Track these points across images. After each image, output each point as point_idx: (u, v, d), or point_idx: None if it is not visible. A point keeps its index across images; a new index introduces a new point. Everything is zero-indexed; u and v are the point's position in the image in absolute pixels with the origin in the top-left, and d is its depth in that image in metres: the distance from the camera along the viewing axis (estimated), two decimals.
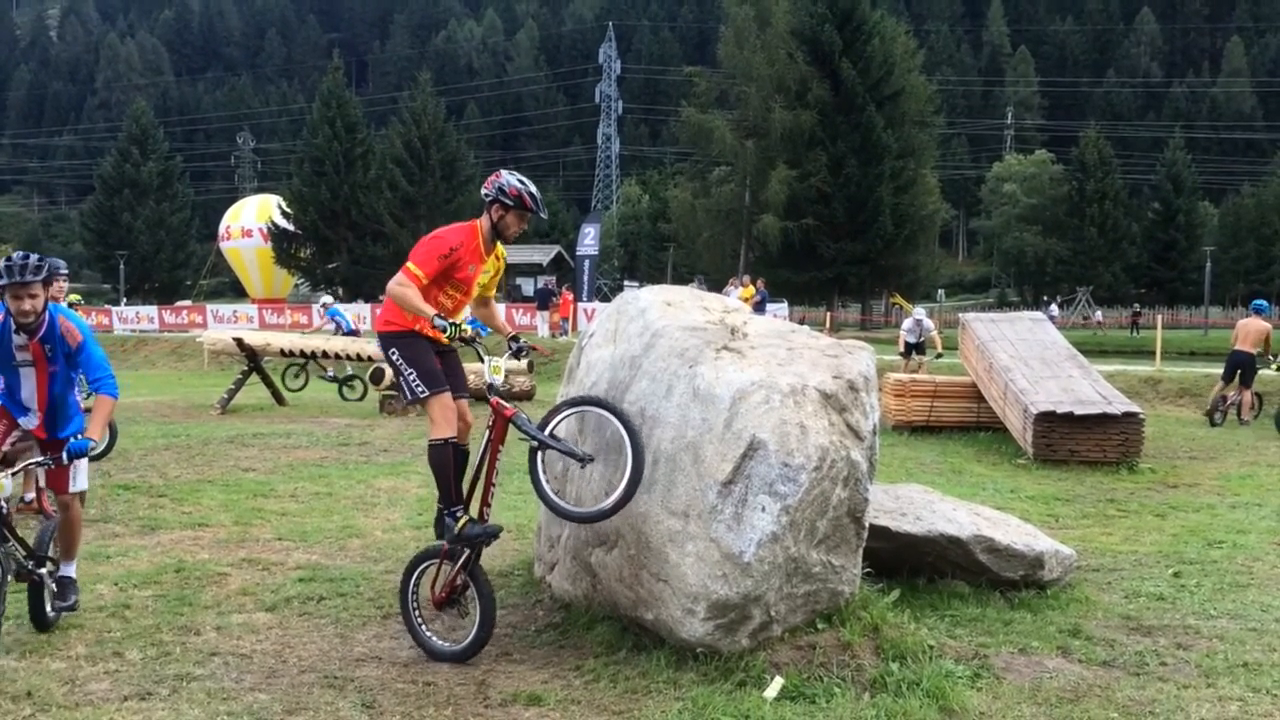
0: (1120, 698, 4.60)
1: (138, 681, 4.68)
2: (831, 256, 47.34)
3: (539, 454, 4.91)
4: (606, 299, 35.64)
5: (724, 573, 4.66)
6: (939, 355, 19.68)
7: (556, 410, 5.00)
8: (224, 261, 59.67)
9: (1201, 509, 9.32)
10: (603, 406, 4.93)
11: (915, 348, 20.04)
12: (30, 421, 5.32)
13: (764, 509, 4.68)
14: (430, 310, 4.91)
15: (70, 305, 8.68)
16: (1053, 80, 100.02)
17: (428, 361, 5.08)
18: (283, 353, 18.36)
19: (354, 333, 22.08)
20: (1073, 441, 11.67)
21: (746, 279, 30.43)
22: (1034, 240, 65.23)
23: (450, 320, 4.87)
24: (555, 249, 58.06)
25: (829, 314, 39.74)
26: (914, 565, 6.09)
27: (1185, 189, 65.20)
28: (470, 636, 5.01)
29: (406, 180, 53.97)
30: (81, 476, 5.38)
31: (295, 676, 4.80)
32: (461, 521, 4.97)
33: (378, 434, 13.32)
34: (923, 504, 6.38)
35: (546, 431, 4.89)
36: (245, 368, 17.54)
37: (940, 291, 63.79)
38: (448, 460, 5.00)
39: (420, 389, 5.02)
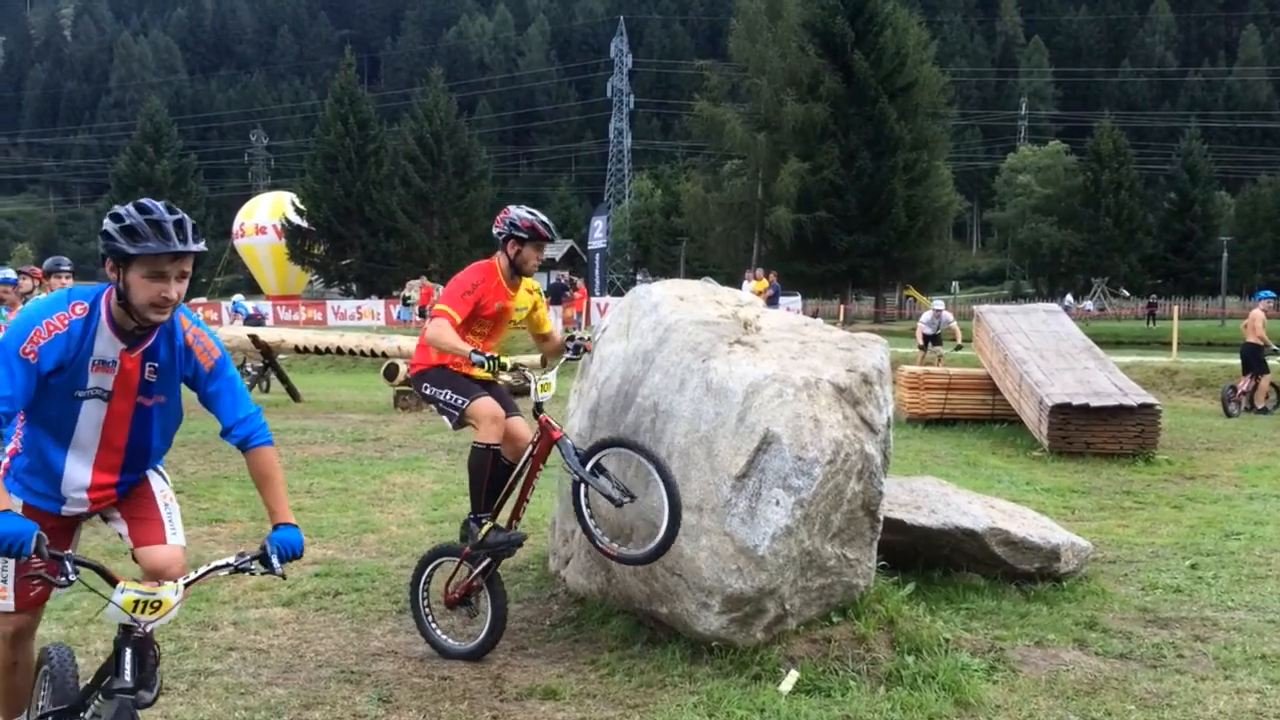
0: (1137, 690, 4.58)
1: None
2: (844, 249, 47.21)
3: (582, 489, 4.78)
4: (619, 294, 35.66)
5: (738, 566, 4.66)
6: (959, 347, 19.59)
7: (599, 446, 4.84)
8: (238, 258, 59.91)
9: (1219, 500, 9.28)
10: (638, 450, 4.73)
11: (933, 339, 19.97)
12: (76, 505, 3.35)
13: (778, 502, 4.68)
14: (466, 347, 4.87)
15: None
16: (1067, 70, 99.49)
17: (457, 379, 5.06)
18: (297, 349, 18.43)
19: (252, 318, 23.34)
20: (1088, 433, 11.63)
21: (759, 272, 30.39)
22: (1049, 232, 64.89)
23: (487, 354, 4.82)
24: (568, 243, 58.09)
25: (842, 307, 39.64)
26: (929, 558, 6.07)
27: (1201, 179, 64.73)
28: (479, 639, 5.00)
29: (419, 176, 54.05)
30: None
31: (312, 671, 4.82)
32: (485, 528, 4.96)
33: (392, 430, 13.35)
34: (937, 497, 6.37)
35: (588, 466, 4.75)
36: (260, 364, 17.60)
37: (954, 284, 63.61)
38: (485, 466, 4.97)
39: (458, 401, 5.00)
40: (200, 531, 7.65)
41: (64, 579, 2.82)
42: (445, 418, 5.10)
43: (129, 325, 3.10)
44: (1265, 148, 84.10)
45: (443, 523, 8.01)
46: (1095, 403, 11.63)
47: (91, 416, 3.20)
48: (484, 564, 5.00)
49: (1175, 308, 35.50)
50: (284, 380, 17.85)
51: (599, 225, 42.81)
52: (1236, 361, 17.07)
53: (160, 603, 2.92)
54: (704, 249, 56.29)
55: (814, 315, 25.19)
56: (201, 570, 3.08)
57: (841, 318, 32.31)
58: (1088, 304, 54.88)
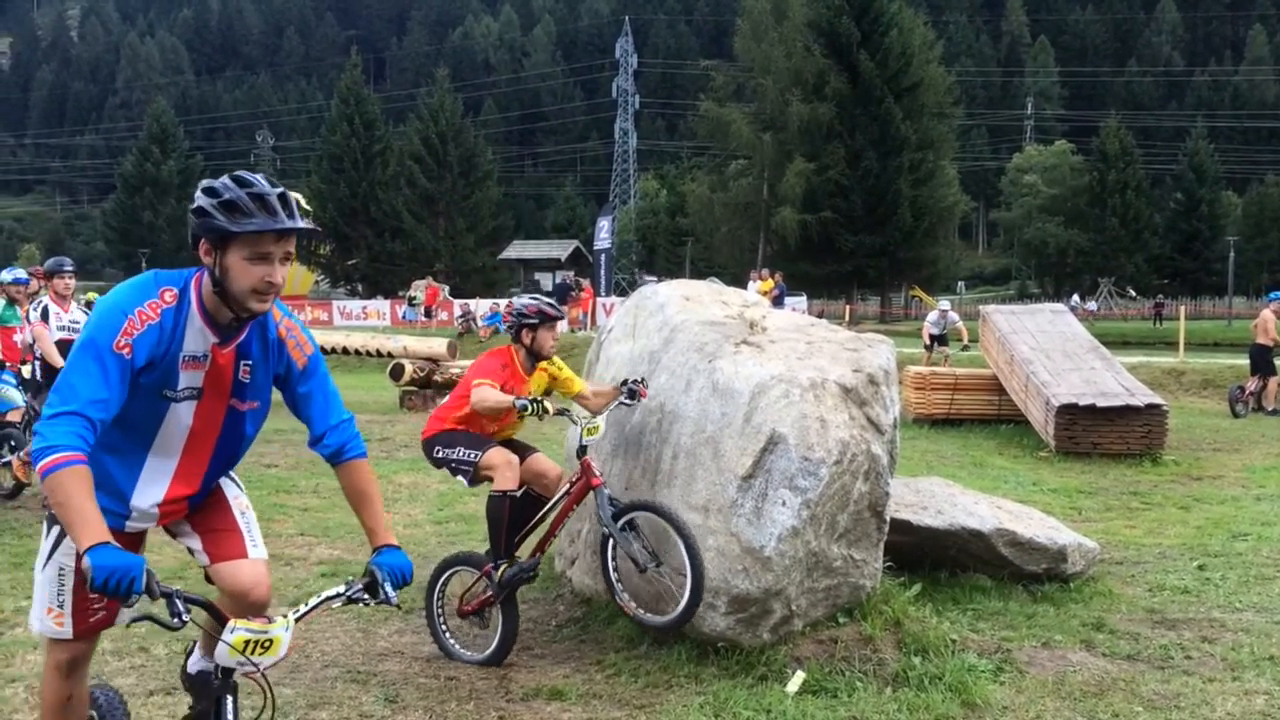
0: (1145, 691, 4.57)
1: (163, 676, 4.72)
2: (850, 249, 47.20)
3: (611, 544, 4.77)
4: (625, 294, 35.68)
5: (744, 567, 4.65)
6: (965, 347, 19.60)
7: (633, 506, 4.80)
8: None
9: (1226, 501, 9.25)
10: (668, 518, 4.65)
11: (939, 340, 19.99)
12: (143, 520, 2.96)
13: (784, 503, 4.67)
14: (509, 398, 4.89)
15: (88, 305, 8.72)
16: (1073, 70, 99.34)
17: (466, 436, 5.07)
18: None
19: None
20: (1095, 434, 11.60)
21: (765, 273, 30.38)
22: (1055, 231, 64.80)
23: (531, 399, 4.83)
24: (573, 244, 58.09)
25: (848, 307, 39.61)
26: (936, 559, 6.07)
27: (1208, 179, 64.65)
28: (486, 652, 4.97)
29: (425, 177, 54.16)
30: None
31: (319, 671, 4.82)
32: (502, 570, 4.96)
33: (398, 430, 13.36)
34: (944, 497, 6.36)
35: (619, 523, 4.73)
36: None
37: (960, 284, 63.55)
38: (503, 514, 4.97)
39: (471, 455, 5.00)
40: None
41: (176, 620, 2.39)
42: (460, 478, 5.07)
43: (224, 316, 2.71)
44: (1272, 147, 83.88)
45: (448, 523, 8.01)
46: (1102, 403, 11.60)
47: (179, 421, 2.81)
48: (502, 595, 5.00)
49: (1182, 308, 35.39)
50: None
51: (604, 226, 42.83)
52: (1243, 362, 17.03)
53: (271, 641, 2.52)
54: (709, 249, 56.29)
55: (819, 315, 25.20)
56: (311, 604, 2.67)
57: (847, 318, 32.29)
58: (1091, 304, 54.79)
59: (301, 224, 2.60)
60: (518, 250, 58.42)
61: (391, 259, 53.77)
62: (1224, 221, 64.36)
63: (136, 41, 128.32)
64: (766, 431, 4.72)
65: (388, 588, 2.66)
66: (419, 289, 40.63)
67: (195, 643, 3.23)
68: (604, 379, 5.70)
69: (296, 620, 2.62)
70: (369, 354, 18.55)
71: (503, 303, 39.23)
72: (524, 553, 5.20)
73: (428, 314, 39.03)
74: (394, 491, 9.25)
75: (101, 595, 2.28)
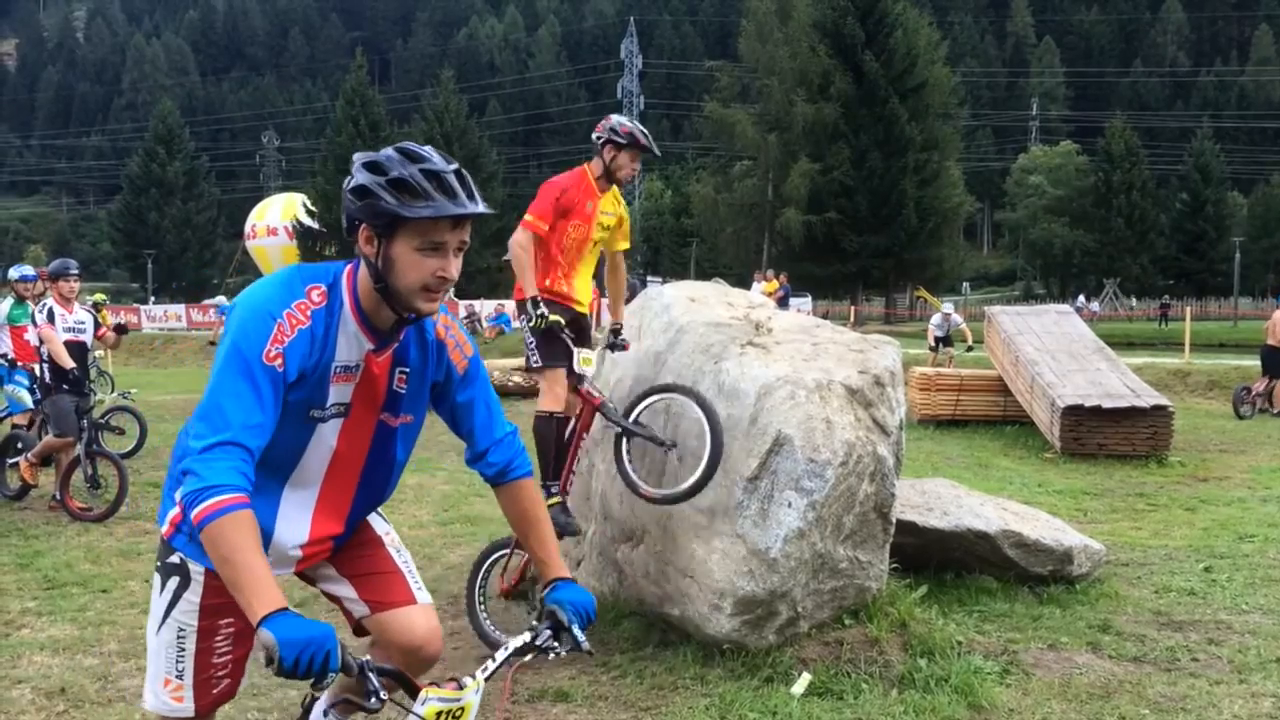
0: (1151, 694, 4.56)
1: None
2: (855, 250, 47.16)
3: (624, 440, 4.88)
4: (631, 295, 35.66)
5: (750, 569, 4.65)
6: (970, 348, 19.65)
7: (640, 398, 4.96)
8: (250, 260, 60.11)
9: (1232, 502, 9.23)
10: (680, 391, 4.85)
11: (944, 341, 20.04)
12: (281, 565, 2.47)
13: (790, 505, 4.67)
14: (533, 289, 4.90)
15: (96, 306, 8.75)
16: (1078, 71, 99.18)
17: (549, 339, 5.02)
18: None
19: None
20: (1101, 435, 11.59)
21: (770, 273, 30.38)
22: (1060, 232, 64.71)
23: (539, 312, 4.84)
24: None
25: (853, 308, 39.58)
26: (941, 560, 6.06)
27: (1213, 179, 64.48)
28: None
29: None
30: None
31: None
32: (554, 499, 4.98)
33: None
34: (950, 499, 6.35)
35: (631, 419, 4.88)
36: None
37: (965, 284, 63.44)
38: (551, 433, 5.00)
39: (535, 360, 5.00)
40: None
41: (373, 700, 2.01)
42: (526, 356, 5.10)
43: (383, 318, 2.26)
44: (1278, 148, 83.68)
45: (453, 524, 8.02)
46: (1107, 404, 11.58)
47: (324, 444, 2.35)
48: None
49: (1188, 309, 35.33)
50: None
51: None
52: (1249, 363, 17.02)
53: (463, 709, 2.18)
54: (714, 250, 56.25)
55: (824, 316, 25.20)
56: (500, 658, 2.28)
57: (852, 319, 32.27)
58: (1095, 305, 54.73)
59: (482, 208, 2.16)
60: None
61: None
62: (1229, 222, 64.22)
63: (142, 43, 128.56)
64: (772, 433, 4.72)
65: (576, 631, 2.29)
66: None
67: (315, 694, 2.69)
68: (610, 380, 5.70)
69: (485, 680, 2.24)
70: None
71: (507, 304, 39.24)
72: None
73: None
74: (398, 493, 9.22)
75: (290, 676, 1.88)
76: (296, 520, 2.42)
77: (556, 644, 2.29)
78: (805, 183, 45.97)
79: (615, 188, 5.28)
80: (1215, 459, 11.83)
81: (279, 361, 2.15)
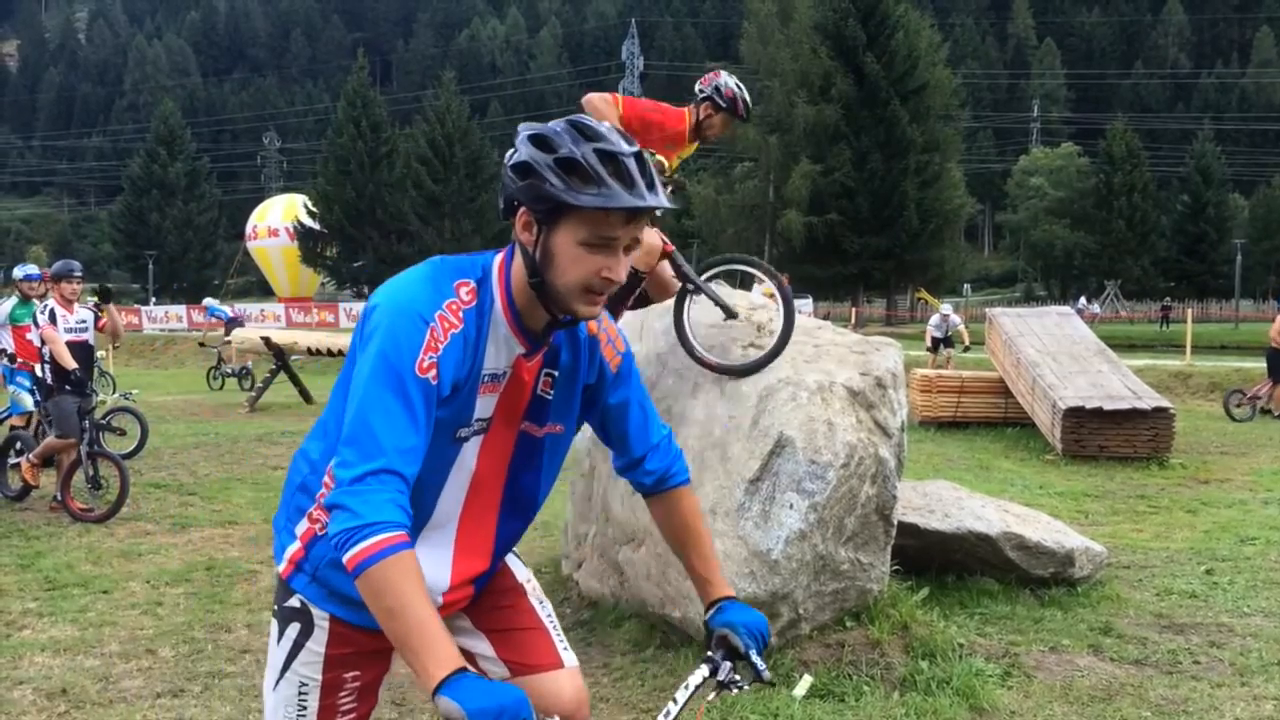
0: (1153, 696, 4.56)
1: (170, 679, 4.72)
2: (856, 252, 47.18)
3: (688, 299, 4.84)
4: None
5: (752, 570, 4.65)
6: (966, 349, 19.69)
7: (709, 265, 4.96)
8: (251, 261, 60.15)
9: (1234, 505, 9.23)
10: (748, 263, 4.86)
11: (943, 342, 20.07)
12: (438, 589, 2.06)
13: (792, 506, 4.67)
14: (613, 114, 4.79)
15: (97, 305, 8.75)
16: (1079, 72, 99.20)
17: None
18: (310, 351, 18.51)
19: (234, 320, 24.07)
20: (1102, 437, 11.59)
21: None
22: (1061, 234, 64.71)
23: None
24: None
25: (854, 309, 39.57)
26: (943, 563, 6.05)
27: (1215, 181, 64.50)
28: None
29: (431, 179, 54.22)
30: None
31: None
32: None
33: None
34: (951, 501, 6.35)
35: (703, 279, 4.86)
36: (273, 366, 17.70)
37: (966, 286, 63.43)
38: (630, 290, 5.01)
39: None
40: (214, 533, 7.68)
41: None
42: None
43: (537, 319, 1.95)
44: (1279, 150, 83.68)
45: None
46: (1109, 406, 11.58)
47: (464, 468, 2.01)
48: None
49: (1189, 311, 35.33)
50: (296, 382, 17.91)
51: None
52: (1249, 365, 17.03)
53: None
54: (715, 251, 56.22)
55: (824, 318, 25.20)
56: (681, 701, 1.96)
57: (853, 320, 32.26)
58: (1096, 307, 54.74)
59: (664, 201, 1.83)
60: None
61: (398, 261, 53.73)
62: (1231, 224, 64.23)
63: (144, 44, 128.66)
64: (774, 435, 4.72)
65: (755, 658, 2.01)
66: None
67: None
68: None
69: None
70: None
71: None
72: None
73: None
74: None
75: None
76: (437, 560, 2.03)
77: (738, 678, 2.01)
78: (806, 184, 45.99)
79: (695, 144, 5.18)
80: (1216, 461, 11.83)
81: (433, 373, 1.83)
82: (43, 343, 8.34)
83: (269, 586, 6.23)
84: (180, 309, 47.45)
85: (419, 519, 1.93)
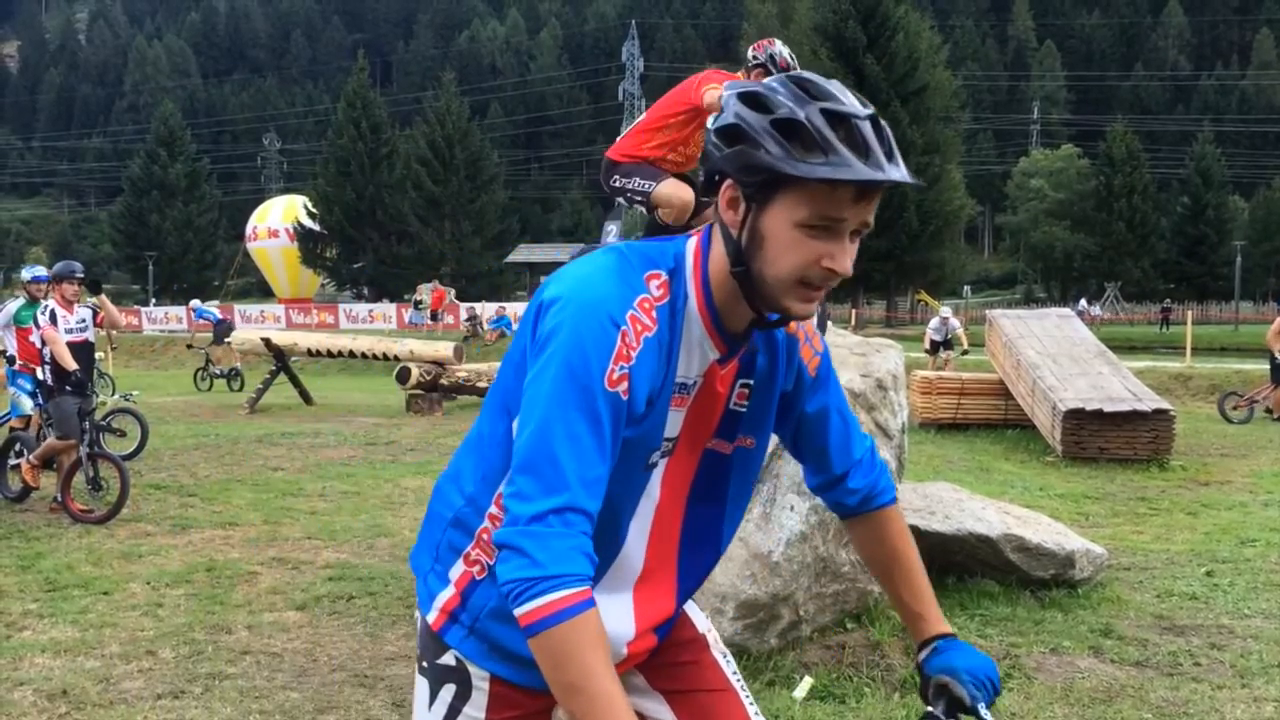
0: (1154, 698, 4.56)
1: (171, 680, 4.72)
2: (856, 253, 47.21)
3: None
4: None
5: (752, 572, 4.65)
6: (965, 351, 19.73)
7: None
8: (251, 262, 60.16)
9: (1234, 507, 9.23)
10: None
11: (942, 344, 20.09)
12: (622, 639, 1.69)
13: (792, 508, 4.67)
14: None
15: (92, 305, 8.78)
16: (1079, 74, 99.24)
17: (644, 168, 4.95)
18: (310, 352, 18.52)
19: (223, 322, 24.13)
20: (1102, 439, 11.58)
21: None
22: (1061, 236, 64.75)
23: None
24: (579, 247, 58.12)
25: (854, 311, 39.58)
26: (943, 564, 6.05)
27: (1215, 183, 64.56)
28: None
29: (431, 180, 54.26)
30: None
31: (326, 675, 4.83)
32: None
33: (405, 433, 13.38)
34: (951, 502, 6.35)
35: None
36: (273, 367, 17.70)
37: (966, 288, 63.43)
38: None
39: (644, 185, 4.90)
40: (214, 535, 7.68)
41: None
42: (634, 198, 4.99)
43: (738, 317, 1.61)
44: (1279, 152, 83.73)
45: None
46: (1109, 408, 11.58)
47: (650, 498, 1.68)
48: None
49: (1189, 313, 35.35)
50: (296, 383, 17.91)
51: (612, 229, 42.93)
52: (1250, 366, 17.04)
53: None
54: None
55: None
56: None
57: (853, 322, 32.27)
58: (1095, 309, 54.80)
59: (907, 175, 1.49)
60: (524, 254, 58.55)
61: (398, 262, 53.87)
62: (1231, 226, 64.28)
63: (144, 45, 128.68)
64: (775, 436, 4.71)
65: (984, 713, 1.67)
66: (425, 292, 40.74)
67: None
68: None
69: None
70: (375, 357, 18.60)
71: (508, 306, 39.30)
72: None
73: (434, 317, 39.12)
74: (400, 495, 9.27)
75: None
76: (618, 606, 1.68)
77: None
78: None
79: None
80: (1217, 463, 11.83)
81: (623, 386, 1.51)
82: (43, 343, 8.34)
83: (270, 588, 6.23)
84: (180, 310, 47.42)
85: (601, 562, 1.58)
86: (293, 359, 18.33)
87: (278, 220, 55.09)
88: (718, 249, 1.59)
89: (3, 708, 4.40)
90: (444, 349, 17.21)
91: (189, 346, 26.12)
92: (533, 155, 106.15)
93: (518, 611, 1.43)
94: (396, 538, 7.62)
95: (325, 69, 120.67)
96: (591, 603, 1.44)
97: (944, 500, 6.39)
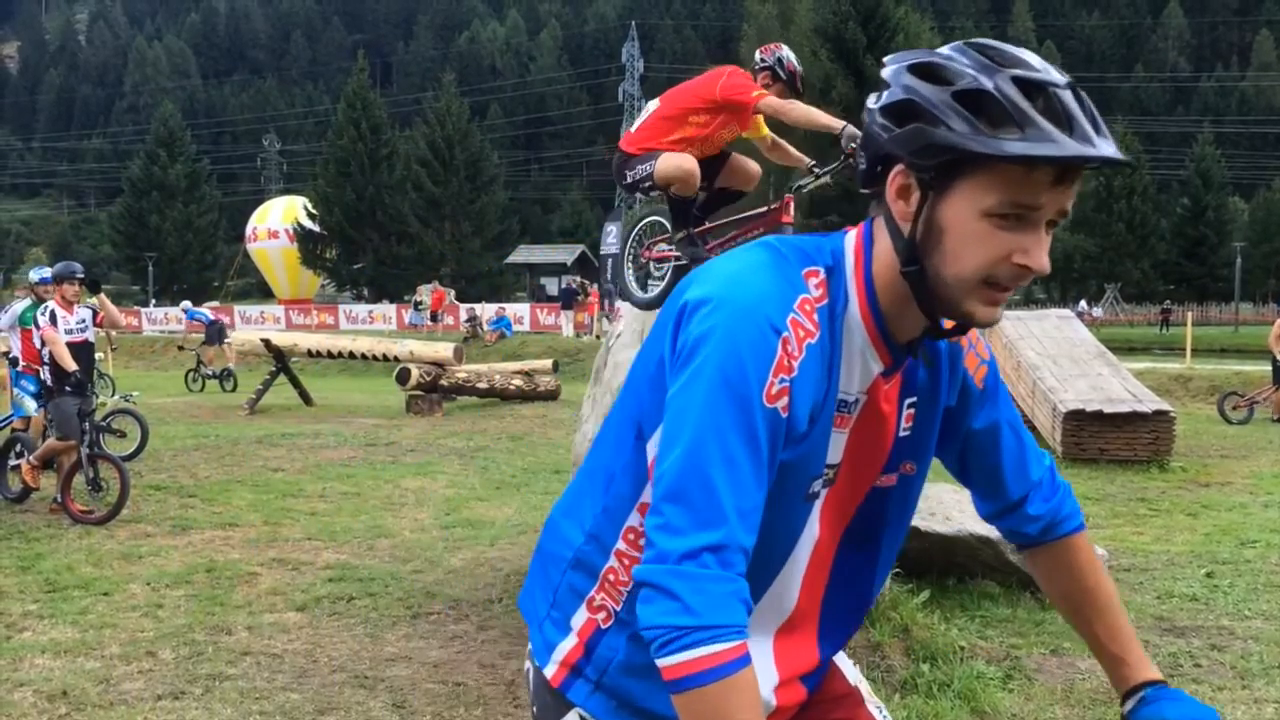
0: None
1: (171, 681, 4.72)
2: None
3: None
4: None
5: None
6: None
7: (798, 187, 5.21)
8: (251, 263, 60.15)
9: (1234, 508, 9.23)
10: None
11: None
12: (764, 687, 1.43)
13: None
14: (838, 122, 4.96)
15: (92, 308, 8.78)
16: (1079, 75, 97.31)
17: (650, 155, 5.01)
18: (310, 353, 18.51)
19: (214, 323, 24.24)
20: (1102, 440, 11.58)
21: None
22: (1061, 236, 64.64)
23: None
24: (579, 248, 58.21)
25: None
26: (944, 565, 6.05)
27: (1214, 184, 64.53)
28: (655, 293, 5.39)
29: (431, 181, 54.24)
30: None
31: (326, 676, 4.82)
32: (682, 235, 5.16)
33: (404, 434, 13.38)
34: (952, 503, 6.34)
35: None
36: (273, 368, 17.70)
37: None
38: (686, 209, 5.11)
39: (647, 169, 4.97)
40: (214, 535, 7.68)
41: None
42: (640, 179, 5.04)
43: (908, 325, 1.40)
44: (1279, 153, 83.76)
45: (455, 528, 8.02)
46: (1109, 409, 11.58)
47: (811, 534, 1.46)
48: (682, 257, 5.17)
49: (1189, 314, 35.36)
50: (296, 384, 17.91)
51: (612, 230, 42.84)
52: (1250, 367, 17.04)
53: None
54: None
55: None
56: None
57: None
58: (1095, 310, 54.78)
59: (1118, 152, 1.26)
60: (524, 255, 58.58)
61: (398, 263, 53.84)
62: (1230, 227, 64.26)
63: (144, 45, 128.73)
64: None
65: None
66: (425, 293, 40.72)
67: None
68: (612, 385, 5.69)
69: None
70: (375, 358, 18.59)
71: (507, 307, 39.32)
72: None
73: (434, 318, 39.10)
74: (400, 495, 9.27)
75: None
76: (756, 651, 1.35)
77: None
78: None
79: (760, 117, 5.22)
80: (1217, 464, 11.83)
81: (783, 401, 1.29)
82: (43, 344, 8.34)
83: (270, 589, 6.23)
84: (179, 310, 47.45)
85: (754, 593, 1.35)
86: (293, 360, 18.32)
87: (277, 221, 55.04)
88: (884, 245, 1.37)
89: (3, 708, 4.40)
90: (444, 350, 17.21)
91: (180, 348, 26.14)
92: (533, 156, 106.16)
93: (664, 663, 1.23)
94: (397, 539, 7.62)
95: (325, 69, 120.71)
96: (748, 659, 1.24)
97: (945, 501, 6.38)
